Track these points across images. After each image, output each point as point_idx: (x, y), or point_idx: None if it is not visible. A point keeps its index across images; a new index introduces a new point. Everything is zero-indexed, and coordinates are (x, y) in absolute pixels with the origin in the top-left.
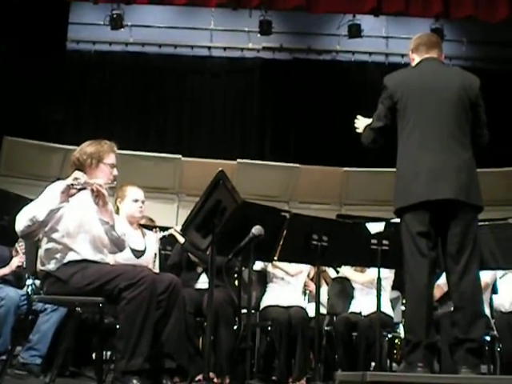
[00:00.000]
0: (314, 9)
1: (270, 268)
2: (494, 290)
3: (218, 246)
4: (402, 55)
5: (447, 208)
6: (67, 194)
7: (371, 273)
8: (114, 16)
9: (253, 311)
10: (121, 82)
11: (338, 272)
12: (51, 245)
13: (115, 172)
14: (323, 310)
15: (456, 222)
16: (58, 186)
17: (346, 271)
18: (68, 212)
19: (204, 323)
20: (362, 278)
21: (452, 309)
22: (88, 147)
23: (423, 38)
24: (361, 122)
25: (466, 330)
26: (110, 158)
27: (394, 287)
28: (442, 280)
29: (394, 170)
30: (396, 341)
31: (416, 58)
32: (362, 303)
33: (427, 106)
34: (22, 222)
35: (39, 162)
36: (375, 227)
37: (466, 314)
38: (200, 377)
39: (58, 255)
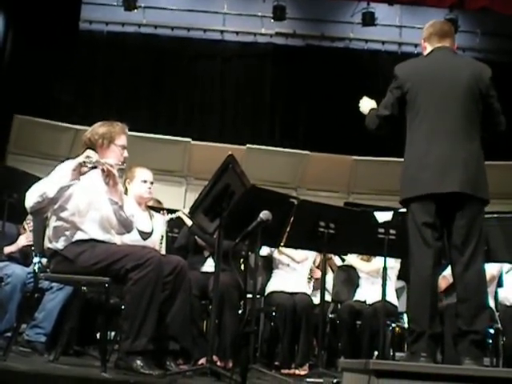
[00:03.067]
0: None
1: (275, 254)
2: (500, 283)
3: (225, 229)
4: (415, 45)
5: (454, 200)
6: (78, 171)
7: (377, 262)
8: None
9: (258, 296)
10: (132, 63)
11: (343, 260)
12: (59, 223)
13: (126, 154)
14: (328, 298)
15: (462, 213)
16: (69, 164)
17: (352, 260)
18: (78, 191)
19: (209, 306)
20: (367, 267)
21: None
22: (100, 128)
23: (436, 26)
24: (365, 103)
25: (470, 321)
26: (121, 140)
27: (399, 277)
28: (448, 271)
29: (402, 160)
30: (398, 329)
31: (428, 47)
32: (367, 292)
33: (437, 97)
34: (32, 198)
35: (49, 141)
36: (383, 216)
37: (470, 306)
38: (203, 360)
39: (66, 234)
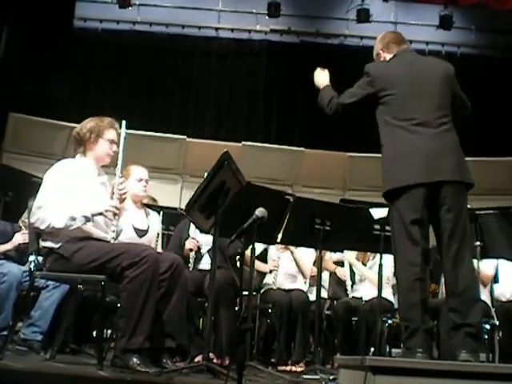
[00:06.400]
0: None
1: (274, 250)
2: (495, 279)
3: (220, 227)
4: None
5: (440, 190)
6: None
7: (376, 272)
8: None
9: (254, 293)
10: (127, 60)
11: (343, 265)
12: None
13: (115, 148)
14: (324, 294)
15: (448, 206)
16: (111, 202)
17: (352, 259)
18: (81, 195)
19: (205, 304)
20: (367, 273)
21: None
22: (88, 122)
23: (389, 35)
24: (320, 76)
25: (464, 315)
26: (110, 134)
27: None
28: None
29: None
30: (395, 326)
31: (388, 56)
32: (364, 288)
33: (413, 92)
34: (61, 220)
35: (44, 139)
36: (378, 212)
37: (462, 300)
38: (200, 357)
39: (61, 232)
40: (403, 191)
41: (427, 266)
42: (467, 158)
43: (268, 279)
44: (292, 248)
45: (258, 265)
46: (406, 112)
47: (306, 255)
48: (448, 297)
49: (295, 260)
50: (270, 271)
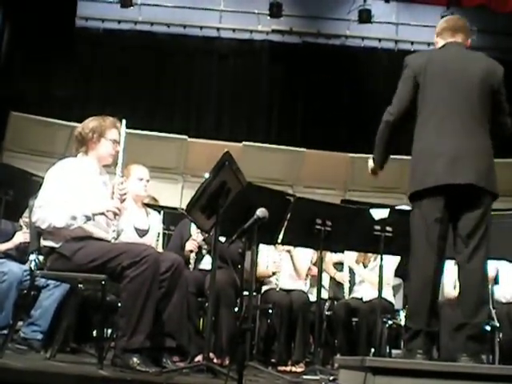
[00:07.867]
0: None
1: (273, 250)
2: (496, 281)
3: (221, 227)
4: (412, 42)
5: (465, 193)
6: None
7: (377, 273)
8: None
9: (254, 294)
10: (129, 60)
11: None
12: None
13: (117, 148)
14: (325, 295)
15: (472, 207)
16: (112, 203)
17: (351, 264)
18: (83, 194)
19: (205, 304)
20: (367, 276)
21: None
22: (90, 122)
23: (449, 21)
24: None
25: (470, 314)
26: (112, 134)
27: (396, 274)
28: None
29: (399, 157)
30: (395, 326)
31: (440, 42)
32: (364, 289)
33: (448, 90)
34: (62, 219)
35: (45, 139)
36: (379, 213)
37: (471, 297)
38: (200, 357)
39: (62, 231)
40: (427, 191)
41: (442, 265)
42: None
43: (271, 281)
44: (291, 249)
45: (262, 272)
46: (438, 110)
47: (303, 256)
48: (458, 293)
49: (292, 261)
50: (273, 273)
